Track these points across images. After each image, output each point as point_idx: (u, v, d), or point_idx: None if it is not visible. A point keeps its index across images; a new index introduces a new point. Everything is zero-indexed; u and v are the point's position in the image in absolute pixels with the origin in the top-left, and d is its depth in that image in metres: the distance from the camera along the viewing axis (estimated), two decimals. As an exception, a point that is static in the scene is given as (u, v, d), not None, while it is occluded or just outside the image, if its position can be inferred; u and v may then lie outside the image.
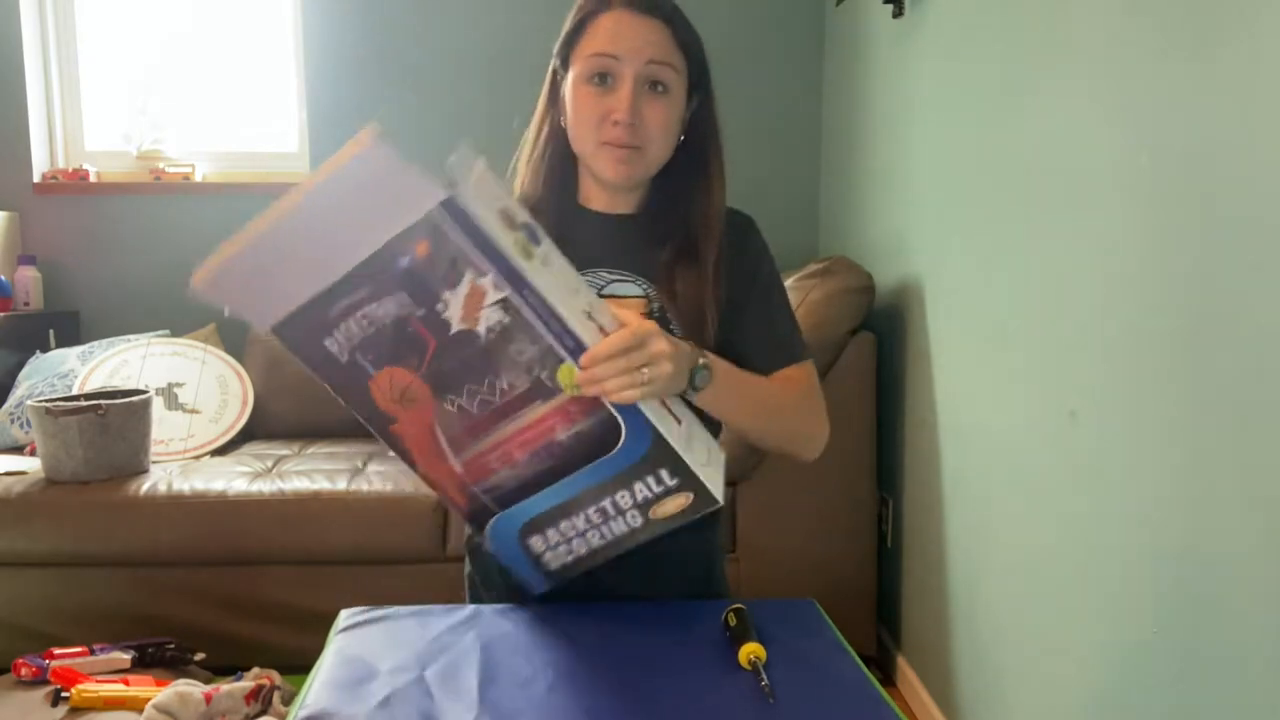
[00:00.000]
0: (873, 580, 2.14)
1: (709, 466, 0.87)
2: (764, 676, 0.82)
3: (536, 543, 0.92)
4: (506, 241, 0.76)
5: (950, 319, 1.80)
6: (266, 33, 2.96)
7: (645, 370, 0.82)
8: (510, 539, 0.93)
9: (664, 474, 0.85)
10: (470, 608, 1.00)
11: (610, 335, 0.81)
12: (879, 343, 2.09)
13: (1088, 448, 1.26)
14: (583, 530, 0.90)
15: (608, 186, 1.07)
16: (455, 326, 0.79)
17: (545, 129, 1.09)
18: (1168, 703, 1.09)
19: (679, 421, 0.87)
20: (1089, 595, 1.27)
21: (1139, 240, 1.13)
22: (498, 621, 0.97)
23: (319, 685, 0.84)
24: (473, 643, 0.92)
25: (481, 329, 0.79)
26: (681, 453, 0.84)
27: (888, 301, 2.14)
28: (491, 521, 0.92)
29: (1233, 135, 0.96)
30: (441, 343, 0.80)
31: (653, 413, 0.84)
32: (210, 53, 2.97)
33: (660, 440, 0.84)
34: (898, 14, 2.07)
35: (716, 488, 0.87)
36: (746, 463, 2.03)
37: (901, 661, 2.09)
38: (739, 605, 0.95)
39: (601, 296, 1.05)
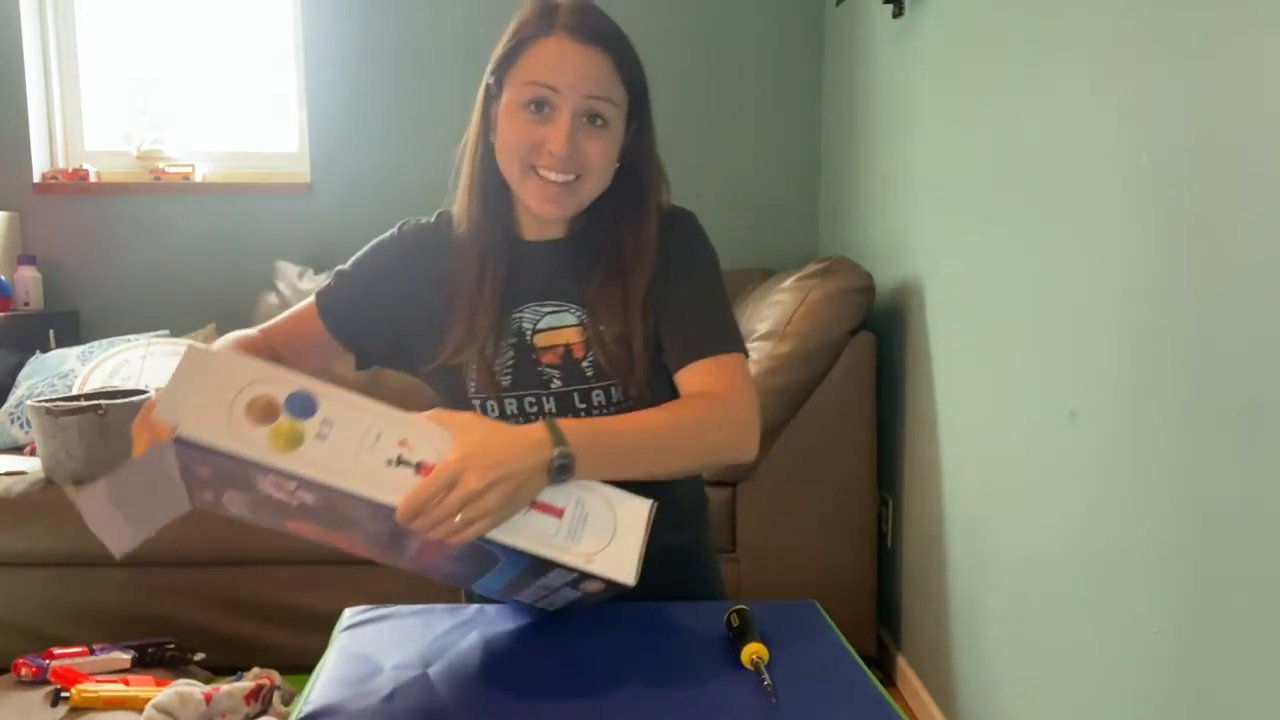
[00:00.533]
0: (873, 580, 2.14)
1: (610, 548, 0.79)
2: (766, 676, 0.82)
3: (522, 597, 0.94)
4: (260, 443, 0.71)
5: (950, 319, 1.80)
6: (266, 33, 2.96)
7: (461, 515, 0.76)
8: (499, 596, 0.94)
9: (561, 570, 0.80)
10: (473, 607, 1.00)
11: (413, 489, 0.75)
12: (879, 343, 2.09)
13: (1088, 448, 1.27)
14: (545, 595, 0.90)
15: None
16: (291, 502, 0.76)
17: (479, 151, 1.04)
18: (1168, 702, 1.09)
19: (558, 514, 0.80)
20: (1089, 595, 1.27)
21: (1139, 239, 1.14)
22: (502, 621, 0.97)
23: (323, 681, 0.84)
24: (477, 641, 0.92)
25: (310, 501, 0.76)
26: (560, 556, 0.78)
27: (888, 301, 2.14)
28: (473, 586, 0.93)
29: (1233, 134, 0.97)
30: (296, 509, 0.77)
31: (511, 533, 0.78)
32: (210, 52, 2.97)
33: (533, 555, 0.78)
34: (898, 14, 2.07)
35: (621, 569, 0.79)
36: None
37: (901, 661, 2.09)
38: (741, 606, 0.95)
39: (537, 331, 1.03)
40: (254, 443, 0.70)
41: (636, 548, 0.81)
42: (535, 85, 0.96)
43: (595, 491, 0.83)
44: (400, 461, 0.75)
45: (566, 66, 0.96)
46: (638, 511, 0.83)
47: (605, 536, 0.80)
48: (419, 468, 0.75)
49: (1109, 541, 1.22)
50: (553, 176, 0.98)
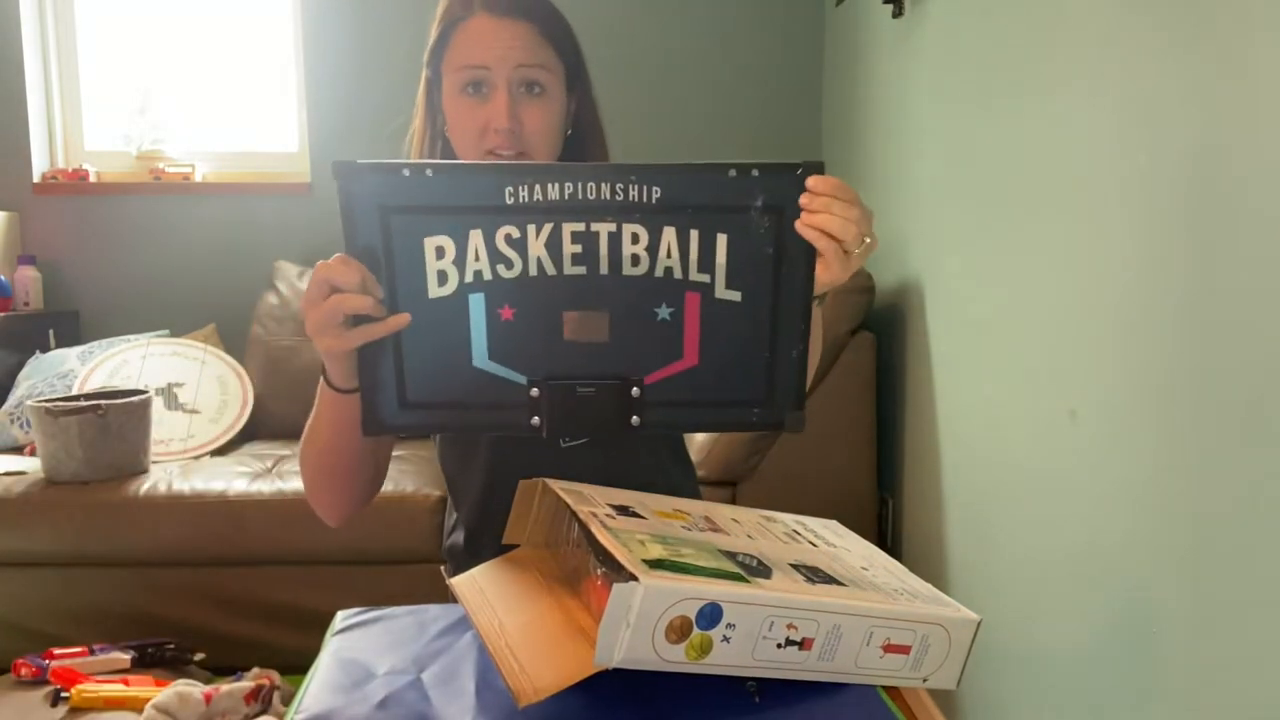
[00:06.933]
0: (873, 580, 2.13)
1: (944, 664, 0.86)
2: (753, 680, 0.82)
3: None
4: (677, 659, 0.76)
5: (950, 319, 1.80)
6: (266, 33, 2.95)
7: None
8: None
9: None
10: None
11: None
12: (879, 343, 2.09)
13: (1088, 448, 1.26)
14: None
15: None
16: None
17: (428, 139, 1.05)
18: (1168, 703, 1.09)
19: (907, 651, 0.85)
20: (1089, 595, 1.26)
21: (1139, 239, 1.13)
22: (495, 623, 0.96)
23: (315, 687, 0.84)
24: (470, 643, 0.91)
25: None
26: (906, 683, 0.86)
27: (888, 301, 2.14)
28: None
29: (1232, 134, 0.96)
30: None
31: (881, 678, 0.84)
32: (210, 52, 2.97)
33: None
34: (898, 14, 2.06)
35: (950, 679, 0.86)
36: (748, 463, 2.03)
37: (901, 662, 2.08)
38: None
39: None
40: (673, 659, 0.76)
41: (963, 657, 0.87)
42: (467, 68, 0.98)
43: (932, 621, 0.86)
44: (788, 642, 0.79)
45: (492, 42, 0.97)
46: (965, 626, 0.87)
47: (941, 656, 0.86)
48: (803, 644, 0.80)
49: (1109, 541, 1.21)
50: (504, 153, 0.99)
